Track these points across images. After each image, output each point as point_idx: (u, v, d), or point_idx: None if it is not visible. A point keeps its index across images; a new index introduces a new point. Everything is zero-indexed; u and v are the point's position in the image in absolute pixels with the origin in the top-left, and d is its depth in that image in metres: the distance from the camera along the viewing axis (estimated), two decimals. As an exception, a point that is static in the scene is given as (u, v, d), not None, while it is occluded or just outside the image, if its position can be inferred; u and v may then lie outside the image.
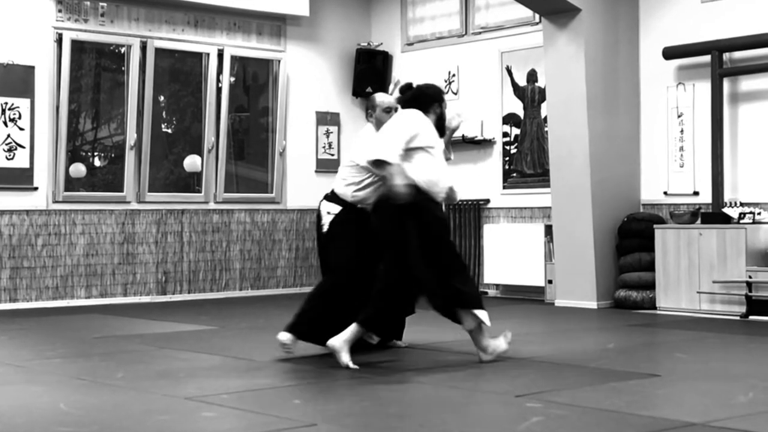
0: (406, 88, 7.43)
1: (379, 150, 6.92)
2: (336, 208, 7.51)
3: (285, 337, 7.28)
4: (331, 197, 7.60)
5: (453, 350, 7.46)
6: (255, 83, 13.78)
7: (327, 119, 13.84)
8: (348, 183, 7.51)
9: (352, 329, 6.91)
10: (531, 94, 12.38)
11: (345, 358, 6.86)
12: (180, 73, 13.17)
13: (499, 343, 7.18)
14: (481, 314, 7.01)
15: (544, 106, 12.02)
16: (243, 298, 12.67)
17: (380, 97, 7.71)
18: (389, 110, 7.55)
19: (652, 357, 7.75)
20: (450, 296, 6.98)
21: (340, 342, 6.89)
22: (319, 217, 7.64)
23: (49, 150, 11.66)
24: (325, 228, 7.54)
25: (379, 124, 7.47)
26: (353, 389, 6.15)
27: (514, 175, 12.53)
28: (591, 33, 11.06)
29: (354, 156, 7.55)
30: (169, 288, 12.50)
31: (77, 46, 12.03)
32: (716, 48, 10.66)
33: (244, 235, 13.07)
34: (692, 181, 11.07)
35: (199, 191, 12.86)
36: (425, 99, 7.31)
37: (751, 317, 9.93)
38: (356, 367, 6.79)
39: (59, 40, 11.75)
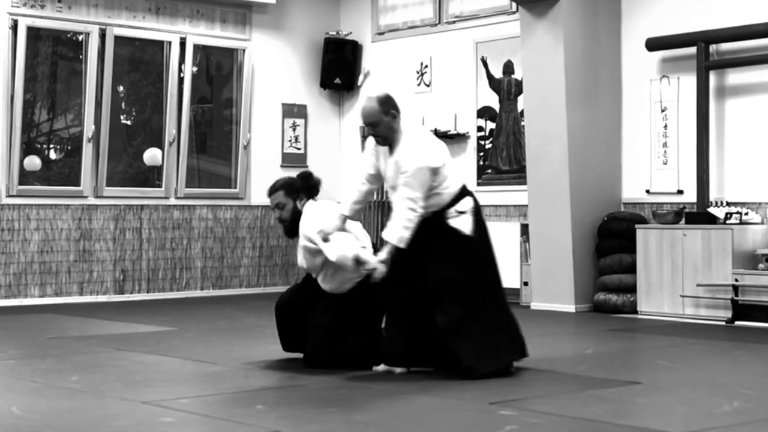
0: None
1: None
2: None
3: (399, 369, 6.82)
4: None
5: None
6: (219, 73, 13.79)
7: (293, 111, 13.82)
8: None
9: None
10: (507, 87, 12.30)
11: None
12: (140, 63, 13.15)
13: None
14: None
15: (520, 99, 11.97)
16: (204, 298, 12.63)
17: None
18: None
19: (632, 363, 7.72)
20: None
21: None
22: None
23: (2, 142, 11.59)
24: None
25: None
26: (318, 395, 6.09)
27: (489, 171, 12.44)
28: (570, 23, 10.99)
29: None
30: (127, 287, 12.38)
31: (33, 33, 11.98)
32: (702, 39, 10.61)
33: (206, 232, 13.00)
34: (676, 179, 11.00)
35: (160, 186, 12.78)
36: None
37: (738, 323, 9.87)
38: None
39: (14, 27, 11.66)
